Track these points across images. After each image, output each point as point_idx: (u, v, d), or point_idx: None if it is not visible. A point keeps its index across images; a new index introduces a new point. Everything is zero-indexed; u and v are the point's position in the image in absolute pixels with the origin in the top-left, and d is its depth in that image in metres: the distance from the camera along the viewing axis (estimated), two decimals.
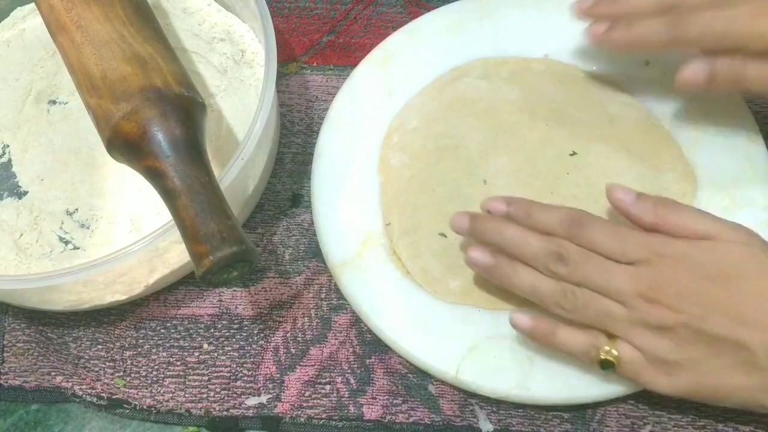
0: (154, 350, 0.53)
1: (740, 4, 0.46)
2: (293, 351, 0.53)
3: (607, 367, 0.46)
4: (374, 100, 0.58)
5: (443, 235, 0.53)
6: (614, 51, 0.54)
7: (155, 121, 0.46)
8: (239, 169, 0.49)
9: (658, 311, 0.44)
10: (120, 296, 0.53)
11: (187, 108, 0.47)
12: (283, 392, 0.52)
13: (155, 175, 0.45)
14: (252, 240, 0.56)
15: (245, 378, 0.52)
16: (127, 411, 0.52)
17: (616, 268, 0.46)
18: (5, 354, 0.54)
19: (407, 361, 0.52)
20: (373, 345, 0.53)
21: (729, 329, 0.43)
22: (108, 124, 0.47)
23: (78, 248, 0.55)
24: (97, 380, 0.53)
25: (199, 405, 0.52)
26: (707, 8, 0.48)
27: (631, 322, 0.45)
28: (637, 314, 0.45)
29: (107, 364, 0.53)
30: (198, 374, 0.53)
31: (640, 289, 0.44)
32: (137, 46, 0.48)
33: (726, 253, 0.44)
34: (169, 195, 0.45)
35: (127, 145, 0.46)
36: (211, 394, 0.52)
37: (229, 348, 0.53)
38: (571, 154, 0.55)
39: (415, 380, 0.52)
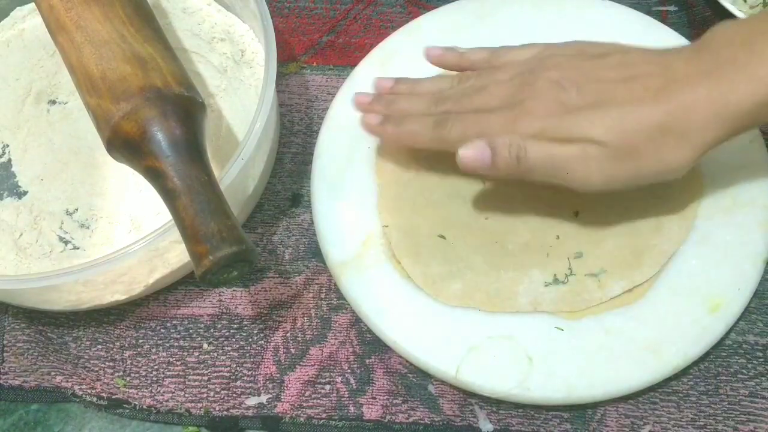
0: (154, 350, 0.53)
1: (495, 113, 0.49)
2: (293, 351, 0.53)
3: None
4: None
5: (442, 236, 0.53)
6: (386, 143, 0.56)
7: (155, 121, 0.46)
8: (239, 169, 0.49)
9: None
10: (120, 296, 0.53)
11: (187, 108, 0.47)
12: (283, 392, 0.52)
13: (155, 175, 0.45)
14: (252, 240, 0.56)
15: (245, 378, 0.52)
16: (127, 411, 0.52)
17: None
18: (5, 354, 0.54)
19: (407, 361, 0.52)
20: (373, 345, 0.53)
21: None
22: (108, 124, 0.47)
23: (78, 248, 0.55)
24: (97, 380, 0.53)
25: (199, 405, 0.52)
26: (467, 114, 0.50)
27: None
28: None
29: (107, 364, 0.53)
30: (198, 374, 0.53)
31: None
32: (137, 46, 0.48)
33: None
34: (169, 195, 0.45)
35: (126, 145, 0.46)
36: (211, 394, 0.52)
37: (229, 348, 0.53)
38: None
39: (415, 380, 0.52)
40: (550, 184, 0.48)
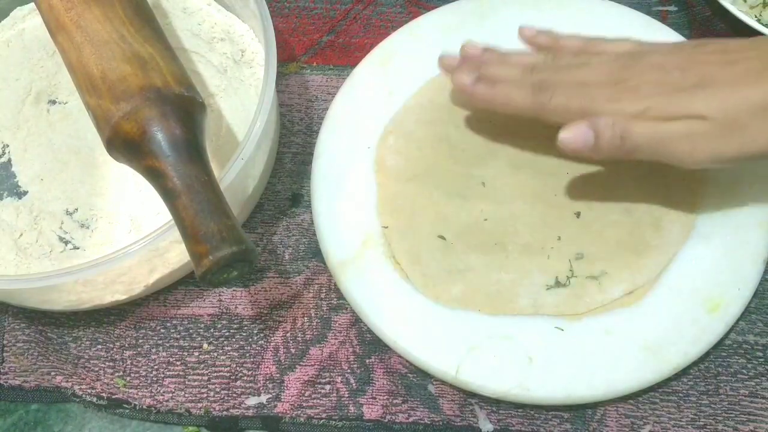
0: (154, 350, 0.53)
1: (597, 87, 0.48)
2: (293, 351, 0.53)
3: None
4: (374, 100, 0.58)
5: (442, 237, 0.53)
6: (476, 105, 0.54)
7: (155, 121, 0.46)
8: (239, 168, 0.49)
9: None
10: (120, 296, 0.53)
11: (186, 108, 0.47)
12: (283, 392, 0.52)
13: (155, 175, 0.45)
14: (252, 240, 0.56)
15: (245, 378, 0.52)
16: (127, 411, 0.52)
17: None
18: (5, 354, 0.54)
19: (407, 361, 0.52)
20: (373, 345, 0.53)
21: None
22: (108, 124, 0.47)
23: (78, 248, 0.55)
24: (97, 380, 0.53)
25: (199, 405, 0.52)
26: (568, 84, 0.49)
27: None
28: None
29: (107, 364, 0.53)
30: (198, 374, 0.53)
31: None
32: (137, 46, 0.48)
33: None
34: (168, 195, 0.45)
35: (126, 144, 0.46)
36: (211, 393, 0.52)
37: (229, 348, 0.53)
38: None
39: (415, 380, 0.52)
40: (654, 162, 0.48)
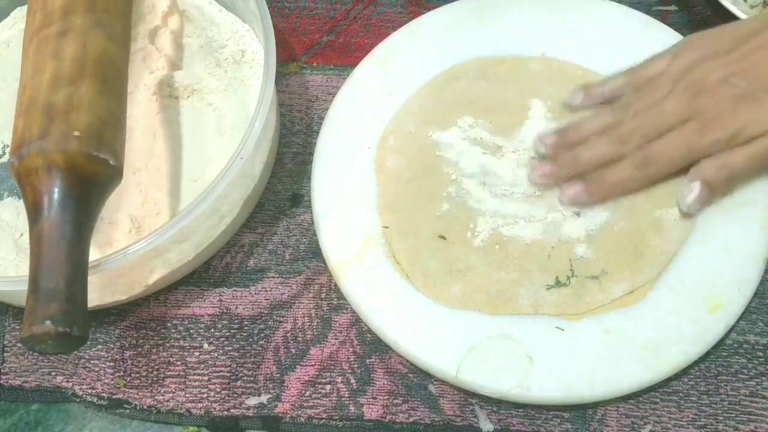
0: (154, 350, 0.53)
1: (685, 130, 0.50)
2: (293, 351, 0.53)
3: None
4: (374, 100, 0.58)
5: (442, 237, 0.53)
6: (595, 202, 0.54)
7: (46, 173, 0.44)
8: (239, 167, 0.48)
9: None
10: (120, 296, 0.53)
11: (88, 172, 0.45)
12: (284, 392, 0.52)
13: (33, 215, 0.44)
14: (252, 240, 0.56)
15: (245, 378, 0.52)
16: (128, 411, 0.52)
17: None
18: (6, 354, 0.54)
19: (407, 361, 0.52)
20: (373, 345, 0.53)
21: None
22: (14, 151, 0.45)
23: None
24: (98, 380, 0.53)
25: (200, 405, 0.52)
26: (658, 142, 0.51)
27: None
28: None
29: (107, 364, 0.53)
30: (198, 374, 0.53)
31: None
32: (61, 94, 0.46)
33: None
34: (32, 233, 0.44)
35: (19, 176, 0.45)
36: (212, 394, 0.52)
37: (230, 348, 0.53)
38: None
39: (415, 380, 0.52)
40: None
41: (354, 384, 0.52)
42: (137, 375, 0.53)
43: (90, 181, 0.45)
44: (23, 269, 0.53)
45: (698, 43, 0.52)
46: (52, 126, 0.45)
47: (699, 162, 0.51)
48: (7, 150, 0.59)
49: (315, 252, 0.56)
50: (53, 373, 0.53)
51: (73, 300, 0.42)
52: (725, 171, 0.50)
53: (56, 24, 0.48)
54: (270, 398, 0.52)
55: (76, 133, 0.45)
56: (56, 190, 0.44)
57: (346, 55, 0.63)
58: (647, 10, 0.61)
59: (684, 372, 0.50)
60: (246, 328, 0.54)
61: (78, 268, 0.43)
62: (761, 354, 0.51)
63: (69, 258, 0.43)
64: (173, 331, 0.54)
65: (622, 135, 0.52)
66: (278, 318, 0.54)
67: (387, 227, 0.54)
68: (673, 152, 0.51)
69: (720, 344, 0.51)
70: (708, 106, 0.50)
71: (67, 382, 0.53)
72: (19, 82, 0.49)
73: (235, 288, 0.55)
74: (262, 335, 0.53)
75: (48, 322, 0.41)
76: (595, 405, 0.50)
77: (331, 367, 0.52)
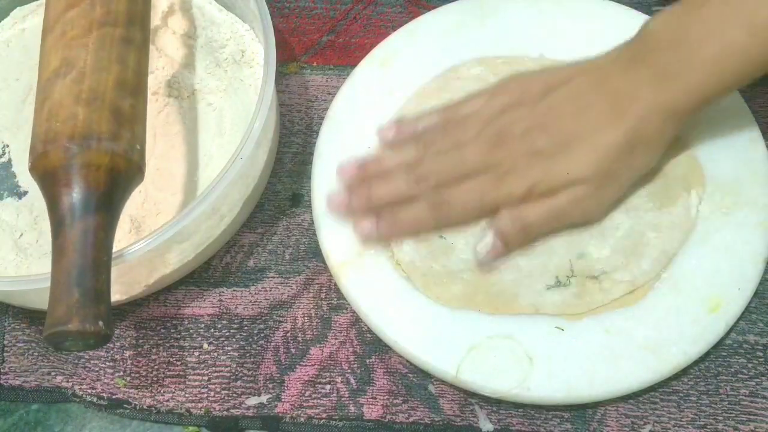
0: (154, 350, 0.53)
1: (482, 181, 0.50)
2: (293, 351, 0.53)
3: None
4: (374, 100, 0.58)
5: (442, 237, 0.53)
6: (386, 241, 0.53)
7: (79, 170, 0.44)
8: (238, 167, 0.49)
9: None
10: (120, 296, 0.53)
11: (120, 170, 0.46)
12: (284, 392, 0.52)
13: (57, 217, 0.44)
14: (252, 240, 0.56)
15: (245, 378, 0.52)
16: (127, 411, 0.52)
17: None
18: (5, 354, 0.54)
19: (407, 361, 0.52)
20: (373, 345, 0.53)
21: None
22: (41, 145, 0.45)
23: None
24: (97, 380, 0.53)
25: (199, 405, 0.52)
26: (455, 188, 0.51)
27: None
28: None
29: (107, 364, 0.53)
30: (198, 374, 0.53)
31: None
32: (116, 98, 0.47)
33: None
34: (57, 236, 0.43)
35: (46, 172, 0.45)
36: (211, 394, 0.52)
37: (229, 348, 0.53)
38: None
39: (415, 380, 0.52)
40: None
41: (354, 384, 0.52)
42: (137, 375, 0.53)
43: (128, 187, 0.47)
44: (23, 269, 0.53)
45: (514, 86, 0.52)
46: (121, 131, 0.46)
47: (498, 212, 0.50)
48: (8, 150, 0.59)
49: (315, 252, 0.56)
50: (53, 373, 0.53)
51: (110, 303, 0.43)
52: (518, 223, 0.50)
53: (121, 28, 0.49)
54: (270, 398, 0.52)
55: (138, 147, 0.47)
56: (111, 190, 0.44)
57: (346, 55, 0.63)
58: (647, 10, 0.61)
59: (684, 372, 0.50)
60: (246, 328, 0.54)
61: (110, 271, 0.44)
62: (761, 354, 0.51)
63: (108, 260, 0.44)
64: (173, 331, 0.54)
65: (420, 174, 0.51)
66: (278, 318, 0.54)
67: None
68: (466, 199, 0.51)
69: (720, 344, 0.51)
70: (505, 160, 0.50)
71: (67, 382, 0.53)
72: (56, 63, 0.47)
73: (235, 288, 0.55)
74: (262, 335, 0.53)
75: (101, 323, 0.41)
76: (595, 405, 0.50)
77: (331, 367, 0.52)
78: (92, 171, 0.44)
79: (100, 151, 0.44)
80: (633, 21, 0.60)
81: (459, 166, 0.51)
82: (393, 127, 0.55)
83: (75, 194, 0.44)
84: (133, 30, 0.49)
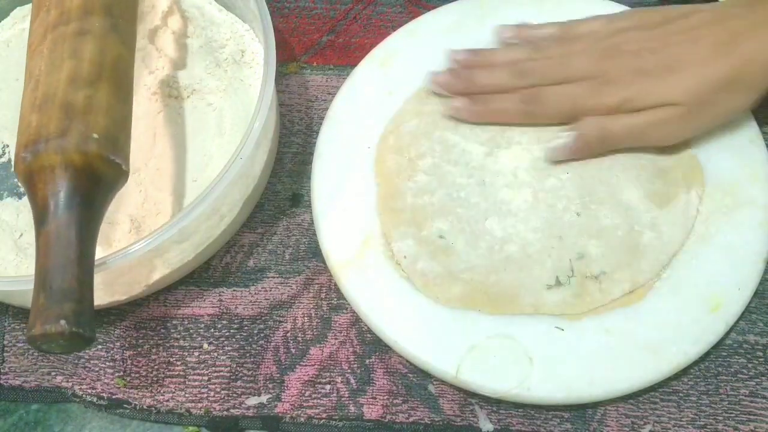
0: (154, 350, 0.53)
1: (580, 86, 0.53)
2: (293, 351, 0.53)
3: None
4: (374, 99, 0.58)
5: (442, 237, 0.53)
6: (474, 122, 0.56)
7: (60, 171, 0.44)
8: (238, 167, 0.49)
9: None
10: (120, 296, 0.53)
11: (100, 172, 0.45)
12: (283, 392, 0.52)
13: (40, 215, 0.44)
14: (252, 240, 0.56)
15: (245, 378, 0.52)
16: (127, 411, 0.52)
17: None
18: (5, 354, 0.54)
19: (407, 361, 0.52)
20: (373, 345, 0.53)
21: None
22: (24, 146, 0.45)
23: None
24: (97, 380, 0.53)
25: (199, 405, 0.52)
26: (554, 87, 0.54)
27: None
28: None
29: (107, 364, 0.53)
30: (198, 374, 0.53)
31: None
32: (79, 93, 0.46)
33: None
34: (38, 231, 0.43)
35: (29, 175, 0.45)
36: (211, 393, 0.52)
37: (229, 348, 0.53)
38: None
39: (415, 380, 0.52)
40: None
41: (354, 384, 0.52)
42: (137, 375, 0.53)
43: (101, 182, 0.45)
44: (23, 269, 0.53)
45: (635, 15, 0.55)
46: (72, 125, 0.45)
47: (582, 118, 0.53)
48: (8, 150, 0.59)
49: (315, 252, 0.56)
50: (53, 373, 0.53)
51: (84, 300, 0.42)
52: (602, 131, 0.52)
53: (74, 23, 0.48)
54: (270, 398, 0.52)
55: (95, 136, 0.45)
56: (69, 189, 0.44)
57: (345, 55, 0.63)
58: None
59: (684, 372, 0.50)
60: (246, 328, 0.54)
61: (87, 269, 0.43)
62: (761, 354, 0.51)
63: (80, 258, 0.43)
64: (173, 331, 0.54)
65: (523, 70, 0.54)
66: (278, 318, 0.54)
67: (386, 227, 0.54)
68: (560, 100, 0.53)
69: (720, 344, 0.51)
70: (609, 71, 0.52)
71: (67, 382, 0.53)
72: (25, 78, 0.48)
73: (235, 288, 0.55)
74: (261, 335, 0.53)
75: (63, 322, 0.41)
76: (595, 405, 0.50)
77: (331, 367, 0.52)
78: (48, 173, 0.44)
79: (48, 152, 0.44)
80: None
81: (563, 69, 0.53)
82: (512, 29, 0.58)
83: (40, 200, 0.44)
84: (90, 19, 0.49)
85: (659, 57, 0.51)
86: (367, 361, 0.52)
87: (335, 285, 0.54)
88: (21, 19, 0.63)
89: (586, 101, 0.53)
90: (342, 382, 0.52)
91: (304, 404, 0.51)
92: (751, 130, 0.55)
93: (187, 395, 0.52)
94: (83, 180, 0.44)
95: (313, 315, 0.54)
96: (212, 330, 0.54)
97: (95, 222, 0.45)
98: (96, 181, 0.45)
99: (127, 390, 0.52)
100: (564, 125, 0.54)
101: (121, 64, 0.49)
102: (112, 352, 0.53)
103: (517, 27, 0.58)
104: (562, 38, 0.56)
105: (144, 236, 0.47)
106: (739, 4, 0.52)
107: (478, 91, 0.56)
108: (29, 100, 0.47)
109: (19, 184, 0.56)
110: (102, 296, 0.52)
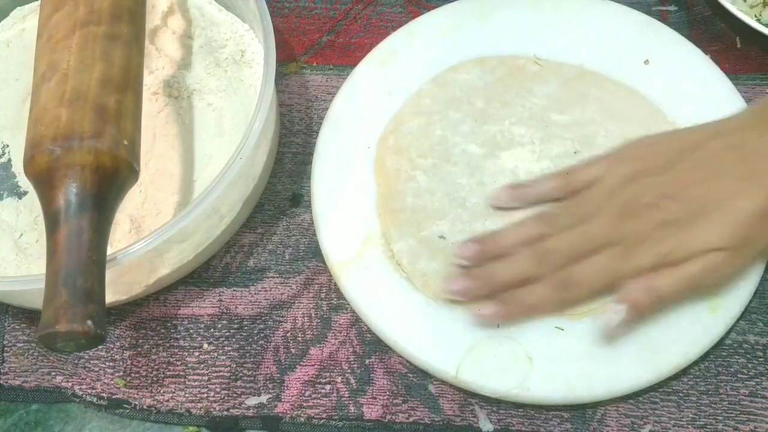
0: (154, 350, 0.53)
1: (609, 255, 0.48)
2: (293, 351, 0.53)
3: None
4: (374, 99, 0.58)
5: (442, 237, 0.53)
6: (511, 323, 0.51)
7: (76, 170, 0.44)
8: (238, 167, 0.49)
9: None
10: (120, 296, 0.53)
11: (114, 171, 0.46)
12: (283, 392, 0.52)
13: (51, 217, 0.44)
14: (252, 240, 0.56)
15: (245, 378, 0.52)
16: (127, 411, 0.52)
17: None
18: (5, 354, 0.54)
19: (407, 361, 0.52)
20: (373, 345, 0.53)
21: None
22: (35, 147, 0.45)
23: None
24: (97, 380, 0.53)
25: (199, 405, 0.52)
26: (579, 265, 0.49)
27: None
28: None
29: (107, 364, 0.53)
30: (198, 374, 0.53)
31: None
32: (105, 97, 0.46)
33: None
34: (50, 235, 0.43)
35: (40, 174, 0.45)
36: (211, 394, 0.52)
37: (229, 348, 0.53)
38: (574, 152, 0.55)
39: (415, 380, 0.52)
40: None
41: (354, 384, 0.52)
42: (137, 375, 0.53)
43: (121, 185, 0.46)
44: (23, 269, 0.53)
45: (637, 154, 0.51)
46: (106, 128, 0.45)
47: (623, 283, 0.48)
48: (8, 150, 0.59)
49: (315, 252, 0.56)
50: (53, 373, 0.53)
51: (102, 302, 0.43)
52: (653, 294, 0.47)
53: (105, 25, 0.48)
54: (270, 398, 0.52)
55: (125, 142, 0.46)
56: (95, 189, 0.44)
57: (345, 55, 0.63)
58: (647, 10, 0.62)
59: (684, 372, 0.50)
60: (246, 328, 0.54)
61: (103, 270, 0.44)
62: (761, 354, 0.51)
63: (99, 259, 0.43)
64: (173, 331, 0.54)
65: (544, 252, 0.49)
66: (278, 318, 0.54)
67: (386, 227, 0.54)
68: (594, 276, 0.48)
69: (720, 344, 0.51)
70: (634, 231, 0.48)
71: (67, 382, 0.53)
72: (41, 67, 0.47)
73: (234, 288, 0.55)
74: (261, 335, 0.53)
75: (89, 322, 0.41)
76: (595, 405, 0.50)
77: (331, 367, 0.52)
78: (77, 171, 0.44)
79: (82, 150, 0.44)
80: (632, 21, 0.60)
81: (585, 242, 0.49)
82: (506, 193, 0.53)
83: (62, 196, 0.43)
84: (120, 26, 0.49)
85: (683, 203, 0.47)
86: (367, 361, 0.52)
87: (335, 285, 0.54)
88: (21, 19, 0.63)
89: (621, 268, 0.48)
90: (342, 382, 0.52)
91: (304, 404, 0.51)
92: None
93: (187, 395, 0.52)
94: (108, 182, 0.45)
95: (313, 315, 0.54)
96: (212, 330, 0.54)
97: (110, 224, 0.45)
98: (119, 184, 0.46)
99: (127, 390, 0.52)
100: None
101: (140, 73, 0.50)
102: (112, 352, 0.53)
103: (510, 189, 0.53)
104: (567, 197, 0.51)
105: (144, 236, 0.47)
106: (751, 123, 0.48)
107: (501, 289, 0.50)
108: (56, 92, 0.46)
109: (26, 178, 0.56)
110: None
